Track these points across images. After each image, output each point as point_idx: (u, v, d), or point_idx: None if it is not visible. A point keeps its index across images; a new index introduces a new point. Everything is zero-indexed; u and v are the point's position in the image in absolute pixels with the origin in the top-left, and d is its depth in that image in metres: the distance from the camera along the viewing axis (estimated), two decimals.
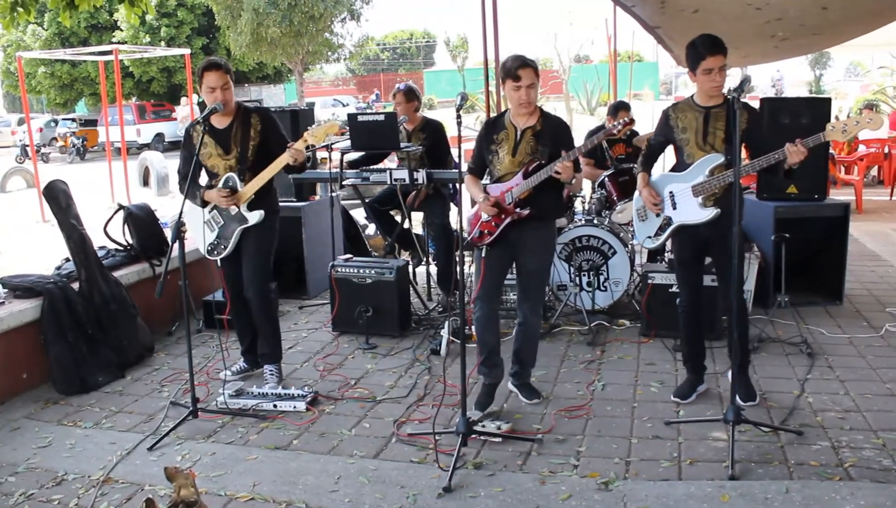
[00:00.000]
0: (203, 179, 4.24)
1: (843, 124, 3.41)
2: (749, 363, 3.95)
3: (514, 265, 3.94)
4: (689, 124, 3.72)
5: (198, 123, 4.06)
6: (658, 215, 3.88)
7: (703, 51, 3.55)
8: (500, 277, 3.97)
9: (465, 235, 3.87)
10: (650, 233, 3.94)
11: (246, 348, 4.50)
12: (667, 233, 3.85)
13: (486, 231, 3.80)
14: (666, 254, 5.69)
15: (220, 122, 4.10)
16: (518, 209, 3.73)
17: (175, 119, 26.55)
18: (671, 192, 3.81)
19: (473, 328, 4.01)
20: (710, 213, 3.65)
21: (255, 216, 4.10)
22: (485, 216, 3.80)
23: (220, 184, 4.10)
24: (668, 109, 3.89)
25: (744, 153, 3.69)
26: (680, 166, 3.81)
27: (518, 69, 3.62)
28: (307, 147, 4.01)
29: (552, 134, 3.73)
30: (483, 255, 3.81)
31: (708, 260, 4.03)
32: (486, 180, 3.99)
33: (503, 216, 3.75)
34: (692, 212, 3.72)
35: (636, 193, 4.05)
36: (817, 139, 3.43)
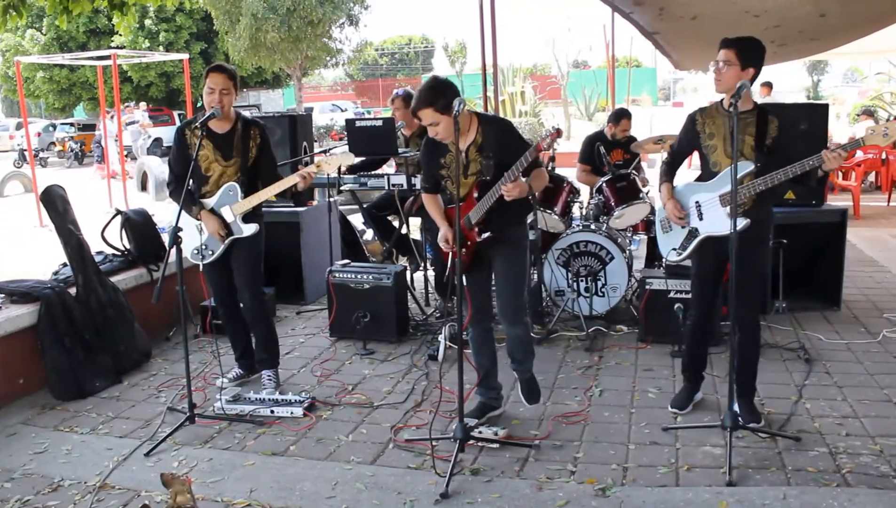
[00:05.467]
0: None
1: (885, 128, 3.21)
2: (755, 391, 3.72)
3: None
4: (717, 131, 3.54)
5: (194, 126, 4.01)
6: (683, 228, 3.72)
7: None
8: (486, 295, 3.83)
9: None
10: (675, 245, 3.75)
11: (240, 354, 4.50)
12: (693, 244, 3.68)
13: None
14: (664, 260, 5.68)
15: (218, 127, 4.10)
16: (481, 236, 3.53)
17: (174, 124, 26.56)
18: (697, 202, 3.65)
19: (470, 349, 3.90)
20: (740, 223, 3.40)
21: (249, 229, 4.12)
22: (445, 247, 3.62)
23: (220, 193, 4.11)
24: (695, 113, 3.67)
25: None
26: (706, 175, 3.64)
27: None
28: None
29: (494, 141, 3.47)
30: (465, 283, 3.61)
31: None
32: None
33: (469, 243, 3.57)
34: (720, 223, 3.52)
35: (659, 204, 3.86)
36: (856, 144, 3.31)
